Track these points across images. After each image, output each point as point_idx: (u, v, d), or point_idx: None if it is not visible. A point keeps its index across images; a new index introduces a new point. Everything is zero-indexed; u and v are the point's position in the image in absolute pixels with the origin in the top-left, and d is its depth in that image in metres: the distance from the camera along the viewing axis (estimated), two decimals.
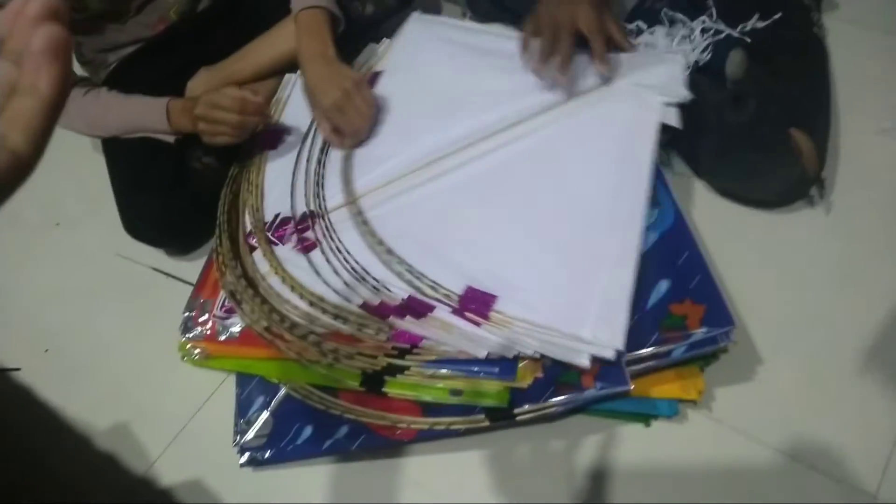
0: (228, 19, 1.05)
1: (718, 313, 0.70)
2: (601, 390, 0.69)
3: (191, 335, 0.86)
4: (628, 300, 0.71)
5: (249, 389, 0.82)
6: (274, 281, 0.83)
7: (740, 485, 0.70)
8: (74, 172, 1.18)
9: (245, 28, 1.04)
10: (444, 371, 0.72)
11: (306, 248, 0.85)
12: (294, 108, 0.98)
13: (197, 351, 0.85)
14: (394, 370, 0.73)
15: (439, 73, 0.98)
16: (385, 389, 0.73)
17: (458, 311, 0.74)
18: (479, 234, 0.81)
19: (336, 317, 0.77)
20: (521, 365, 0.71)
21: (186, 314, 0.88)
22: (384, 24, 1.07)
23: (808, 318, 0.79)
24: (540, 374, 0.71)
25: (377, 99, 0.93)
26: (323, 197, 0.89)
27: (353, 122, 0.90)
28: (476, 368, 0.72)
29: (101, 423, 0.87)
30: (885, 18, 1.07)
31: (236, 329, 0.84)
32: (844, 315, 0.79)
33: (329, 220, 0.86)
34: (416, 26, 1.06)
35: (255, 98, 0.89)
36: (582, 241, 0.78)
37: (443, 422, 0.72)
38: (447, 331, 0.73)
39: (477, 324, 0.73)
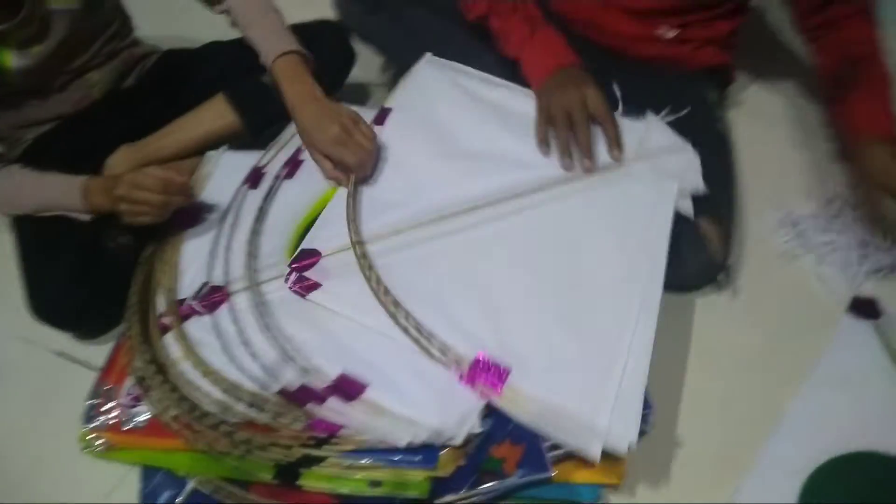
0: (151, 97, 1.04)
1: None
2: (523, 477, 0.68)
3: (93, 425, 0.80)
4: (642, 392, 0.71)
5: (154, 484, 0.77)
6: (185, 367, 0.79)
7: None
8: None
9: (168, 106, 1.03)
10: (363, 461, 0.69)
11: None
12: (215, 186, 0.97)
13: (100, 441, 0.80)
14: (310, 461, 0.70)
15: (453, 123, 0.96)
16: (300, 482, 0.70)
17: (467, 381, 0.71)
18: (492, 300, 0.79)
19: (251, 405, 0.74)
20: (442, 453, 0.69)
21: (90, 402, 0.82)
22: None
23: (722, 401, 0.82)
24: (462, 462, 0.69)
25: (381, 134, 0.93)
26: (255, 269, 0.86)
27: (357, 154, 0.87)
28: (396, 458, 0.69)
29: None
30: (787, 112, 1.16)
31: (142, 418, 0.79)
32: (755, 397, 0.82)
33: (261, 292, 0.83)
34: (429, 68, 1.04)
35: (178, 178, 0.87)
36: (598, 324, 0.76)
37: None
38: (378, 415, 0.70)
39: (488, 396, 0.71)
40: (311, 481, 0.70)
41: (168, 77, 1.07)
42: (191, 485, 0.75)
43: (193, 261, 0.90)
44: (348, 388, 0.72)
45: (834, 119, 1.05)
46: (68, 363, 0.94)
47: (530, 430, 0.70)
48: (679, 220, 0.87)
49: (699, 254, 0.87)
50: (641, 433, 0.73)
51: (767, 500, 0.74)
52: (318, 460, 0.70)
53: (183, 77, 1.06)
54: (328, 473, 0.70)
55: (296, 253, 0.84)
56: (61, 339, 0.96)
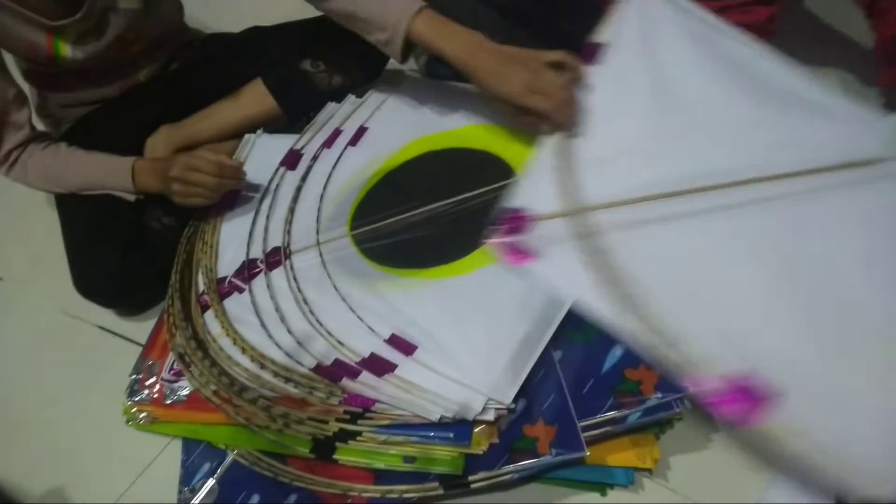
0: (193, 80, 1.06)
1: (676, 382, 0.70)
2: (556, 457, 0.68)
3: (137, 398, 0.83)
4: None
5: (195, 455, 0.79)
6: (225, 343, 0.81)
7: None
8: (22, 228, 1.16)
9: (209, 90, 1.05)
10: (397, 437, 0.70)
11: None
12: (253, 167, 0.98)
13: (143, 415, 0.82)
14: (345, 436, 0.71)
15: (682, 76, 0.80)
16: (336, 457, 0.71)
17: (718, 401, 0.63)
18: (728, 296, 0.69)
19: (287, 380, 0.75)
20: (476, 430, 0.70)
21: (133, 377, 0.85)
22: (348, 94, 1.09)
23: None
24: (495, 440, 0.70)
25: (592, 75, 0.82)
26: (289, 243, 0.88)
27: (554, 99, 0.77)
28: (431, 434, 0.70)
29: (36, 487, 0.83)
30: None
31: (184, 392, 0.81)
32: None
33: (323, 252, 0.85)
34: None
35: (231, 162, 0.89)
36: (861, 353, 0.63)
37: (395, 490, 0.70)
38: (407, 390, 0.71)
39: None
40: (347, 456, 0.71)
41: (210, 61, 1.09)
42: (230, 457, 0.77)
43: (232, 240, 0.92)
44: (383, 365, 0.73)
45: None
46: (111, 337, 0.97)
47: (564, 410, 0.70)
48: None
49: None
50: (678, 418, 0.74)
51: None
52: (354, 435, 0.71)
53: (224, 61, 1.08)
54: (363, 448, 0.71)
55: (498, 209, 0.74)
56: (105, 315, 0.98)
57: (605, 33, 0.85)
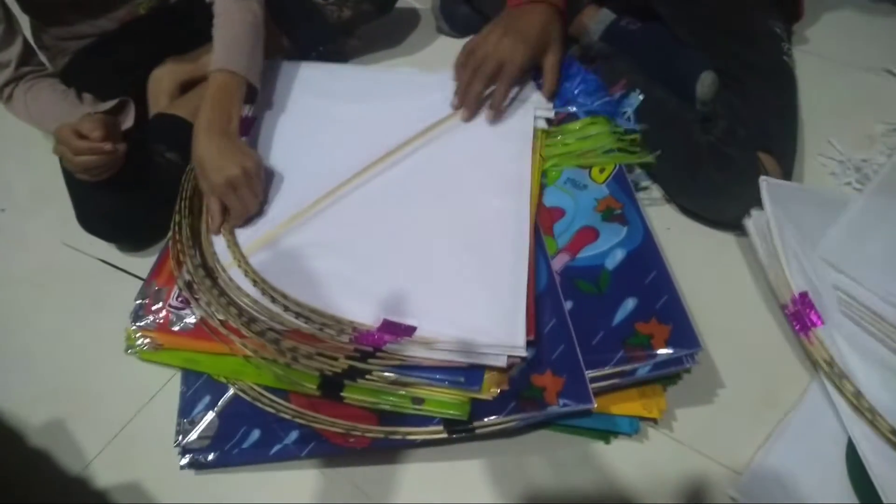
0: (195, 14, 1.02)
1: (684, 334, 0.70)
2: (564, 407, 0.68)
3: (141, 324, 0.81)
4: (524, 301, 0.72)
5: (195, 388, 0.78)
6: (235, 273, 0.79)
7: None
8: (24, 159, 1.13)
9: (212, 23, 1.01)
10: (407, 378, 0.69)
11: None
12: (265, 94, 0.96)
13: (146, 341, 0.80)
14: (354, 374, 0.70)
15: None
16: (343, 394, 0.71)
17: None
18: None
19: (298, 315, 0.74)
20: (486, 376, 0.69)
21: (139, 301, 0.83)
22: (359, 28, 1.05)
23: (765, 341, 0.80)
24: (505, 387, 0.69)
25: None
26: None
27: (248, 204, 0.83)
28: (441, 376, 0.69)
29: (36, 418, 0.82)
30: (852, 53, 1.10)
31: (191, 321, 0.79)
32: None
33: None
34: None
35: (93, 143, 0.80)
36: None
37: (399, 431, 0.70)
38: (429, 348, 0.70)
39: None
40: (355, 394, 0.70)
41: None
42: (231, 391, 0.76)
43: None
44: (398, 332, 0.72)
45: None
46: (113, 271, 0.96)
47: (679, 310, 0.72)
48: (737, 154, 0.85)
49: (757, 189, 0.83)
50: (685, 371, 0.73)
51: (812, 440, 0.72)
52: (364, 373, 0.70)
53: None
54: (372, 388, 0.70)
55: None
56: (107, 248, 0.97)
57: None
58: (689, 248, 0.87)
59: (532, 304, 0.73)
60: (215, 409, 0.76)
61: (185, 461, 0.74)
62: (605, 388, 0.71)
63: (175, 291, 0.82)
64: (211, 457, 0.74)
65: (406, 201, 0.85)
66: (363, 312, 0.74)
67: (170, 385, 0.82)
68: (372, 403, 0.70)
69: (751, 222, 0.84)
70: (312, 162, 0.91)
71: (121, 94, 0.92)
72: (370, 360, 0.70)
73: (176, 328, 0.80)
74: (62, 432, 0.81)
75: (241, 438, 0.74)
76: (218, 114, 0.83)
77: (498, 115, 0.90)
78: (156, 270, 0.86)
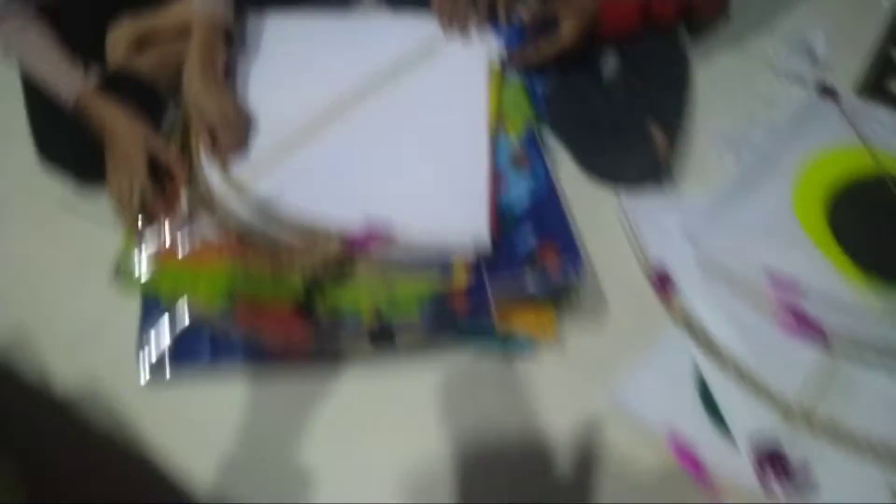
0: None
1: (571, 252, 0.85)
2: (469, 318, 0.81)
3: (143, 250, 0.87)
4: (487, 203, 0.87)
5: (153, 309, 0.87)
6: (231, 200, 0.89)
7: (584, 423, 0.82)
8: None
9: None
10: (389, 270, 0.83)
11: None
12: (243, 42, 1.07)
13: (147, 265, 0.86)
14: (343, 271, 0.83)
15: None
16: (318, 301, 0.82)
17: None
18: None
19: (291, 226, 0.85)
20: (455, 267, 0.83)
21: (139, 228, 0.89)
22: None
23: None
24: (471, 280, 0.82)
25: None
26: None
27: (241, 138, 0.94)
28: (416, 266, 0.83)
29: None
30: (738, 42, 1.24)
31: (188, 241, 0.87)
32: None
33: None
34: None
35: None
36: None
37: (330, 341, 0.82)
38: (408, 248, 0.83)
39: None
40: (331, 300, 0.82)
41: None
42: (185, 309, 0.85)
43: None
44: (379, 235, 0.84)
45: None
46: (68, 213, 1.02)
47: (569, 235, 0.87)
48: (632, 126, 0.99)
49: (647, 155, 0.98)
50: (575, 295, 0.88)
51: (671, 367, 0.85)
52: (350, 266, 0.83)
53: None
54: (349, 293, 0.83)
55: None
56: (64, 192, 1.04)
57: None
58: (586, 205, 1.00)
59: (494, 209, 0.87)
60: (171, 328, 0.86)
61: (145, 377, 0.84)
62: (506, 307, 0.83)
63: (178, 217, 0.89)
64: (169, 372, 0.85)
65: (377, 128, 0.97)
66: (348, 223, 0.85)
67: (129, 303, 0.90)
68: (349, 306, 0.82)
69: (621, 213, 0.99)
70: (292, 96, 1.01)
71: (88, 48, 0.98)
72: (357, 258, 0.83)
73: (177, 248, 0.87)
74: (23, 343, 0.89)
75: (195, 354, 0.85)
76: (205, 60, 0.94)
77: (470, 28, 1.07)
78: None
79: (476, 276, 0.83)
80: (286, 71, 1.05)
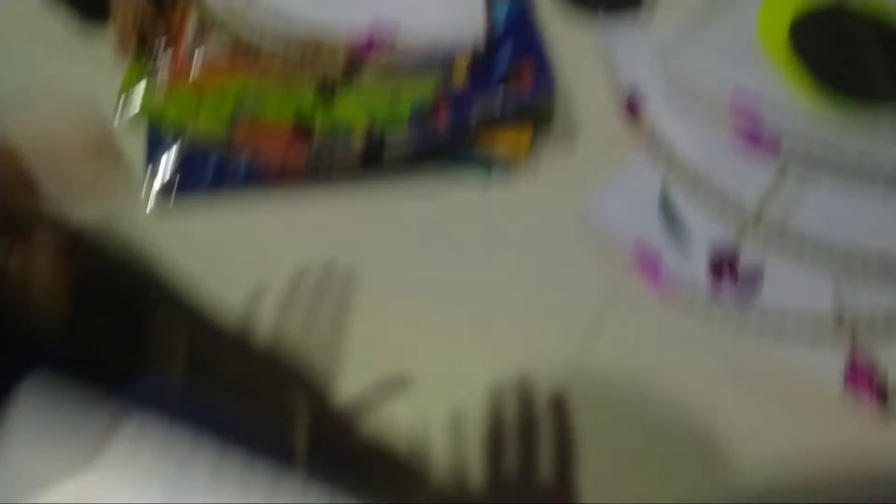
0: None
1: (544, 69, 0.90)
2: (451, 130, 0.88)
3: (156, 69, 0.91)
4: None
5: (158, 138, 0.92)
6: (239, 13, 0.91)
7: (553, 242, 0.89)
8: None
9: None
10: (394, 70, 0.89)
11: None
12: None
13: (148, 93, 0.91)
14: (352, 72, 0.88)
15: None
16: (337, 95, 0.88)
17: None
18: None
19: (297, 39, 0.89)
20: (456, 63, 0.89)
21: (153, 52, 0.93)
22: None
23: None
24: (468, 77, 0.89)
25: None
26: None
27: None
28: (420, 66, 0.89)
29: None
30: None
31: (200, 60, 0.91)
32: None
33: None
34: None
35: None
36: None
37: (323, 159, 0.89)
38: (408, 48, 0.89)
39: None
40: (345, 100, 0.88)
41: None
42: (188, 135, 0.90)
43: None
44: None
45: None
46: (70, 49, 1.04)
47: (541, 52, 0.91)
48: None
49: None
50: (547, 105, 0.93)
51: (637, 184, 0.92)
52: (360, 71, 0.88)
53: None
54: (357, 93, 0.89)
55: None
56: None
57: None
58: (563, 31, 1.02)
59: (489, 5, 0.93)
60: (176, 153, 0.91)
61: (150, 205, 0.90)
62: (483, 125, 0.89)
63: (188, 35, 0.92)
64: (174, 195, 0.91)
65: None
66: (352, 28, 0.89)
67: (132, 140, 0.93)
68: (359, 100, 0.88)
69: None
70: None
71: None
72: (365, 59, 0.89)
73: (191, 69, 0.91)
74: None
75: (200, 176, 0.91)
76: None
77: None
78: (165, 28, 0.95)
79: (470, 79, 0.89)
80: None
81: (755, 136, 0.92)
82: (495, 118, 0.90)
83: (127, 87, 0.93)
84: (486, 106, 0.88)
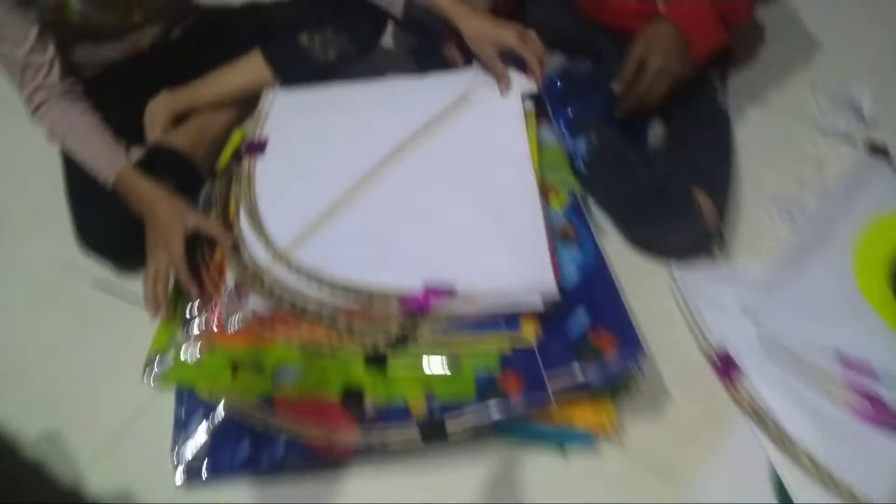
0: (194, 50, 1.10)
1: (630, 341, 0.78)
2: (526, 399, 0.76)
3: (193, 331, 0.86)
4: (546, 246, 0.84)
5: (188, 405, 0.83)
6: (278, 270, 0.86)
7: None
8: (23, 179, 1.18)
9: (209, 58, 1.09)
10: (453, 334, 0.80)
11: None
12: (276, 122, 1.06)
13: (196, 347, 0.85)
14: (405, 338, 0.80)
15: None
16: (389, 363, 0.80)
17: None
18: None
19: (346, 292, 0.82)
20: (523, 321, 0.80)
21: (186, 315, 0.88)
22: (342, 69, 1.13)
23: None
24: (540, 333, 0.79)
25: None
26: None
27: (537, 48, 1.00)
28: (483, 327, 0.80)
29: (31, 431, 0.87)
30: (782, 101, 1.21)
31: (239, 319, 0.86)
32: None
33: None
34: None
35: (157, 299, 0.89)
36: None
37: (377, 436, 0.77)
38: (470, 302, 0.80)
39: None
40: (398, 365, 0.80)
41: (211, 31, 1.14)
42: (221, 408, 0.81)
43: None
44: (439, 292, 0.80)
45: None
46: (107, 296, 1.00)
47: (626, 320, 0.80)
48: (675, 192, 0.95)
49: (694, 222, 0.93)
50: (633, 381, 0.82)
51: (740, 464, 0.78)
52: (414, 333, 0.79)
53: (225, 32, 1.13)
54: (413, 356, 0.80)
55: None
56: (101, 272, 1.02)
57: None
58: (637, 279, 0.95)
59: (553, 254, 0.83)
60: (208, 424, 0.81)
61: (180, 478, 0.79)
62: (560, 396, 0.77)
63: (225, 295, 0.87)
64: (205, 473, 0.79)
65: (421, 186, 0.94)
66: (403, 282, 0.82)
67: (161, 403, 0.86)
68: (414, 372, 0.79)
69: (674, 290, 0.94)
70: (328, 165, 0.99)
71: (125, 122, 0.99)
72: (420, 321, 0.79)
73: (229, 329, 0.85)
74: (56, 444, 0.85)
75: (234, 453, 0.80)
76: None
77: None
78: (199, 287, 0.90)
79: (527, 353, 0.79)
80: (323, 140, 1.03)
81: (873, 408, 0.78)
82: (573, 390, 0.78)
83: (157, 349, 0.87)
84: (563, 376, 0.77)
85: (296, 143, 1.03)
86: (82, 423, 0.87)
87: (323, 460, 0.79)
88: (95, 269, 1.02)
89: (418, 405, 0.78)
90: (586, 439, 0.81)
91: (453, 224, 0.89)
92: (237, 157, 1.03)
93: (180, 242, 0.88)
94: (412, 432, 0.77)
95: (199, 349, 0.85)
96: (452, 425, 0.76)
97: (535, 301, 0.79)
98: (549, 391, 0.76)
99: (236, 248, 0.90)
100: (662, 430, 0.82)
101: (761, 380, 0.82)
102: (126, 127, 1.01)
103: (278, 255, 0.88)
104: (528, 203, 0.89)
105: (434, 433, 0.77)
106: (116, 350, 0.93)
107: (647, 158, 1.02)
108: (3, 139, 1.05)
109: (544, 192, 0.93)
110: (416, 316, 0.80)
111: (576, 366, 0.77)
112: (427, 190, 0.94)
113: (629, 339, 0.78)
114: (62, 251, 1.01)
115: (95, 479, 0.82)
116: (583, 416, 0.80)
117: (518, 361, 0.79)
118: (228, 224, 0.95)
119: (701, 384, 0.85)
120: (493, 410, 0.76)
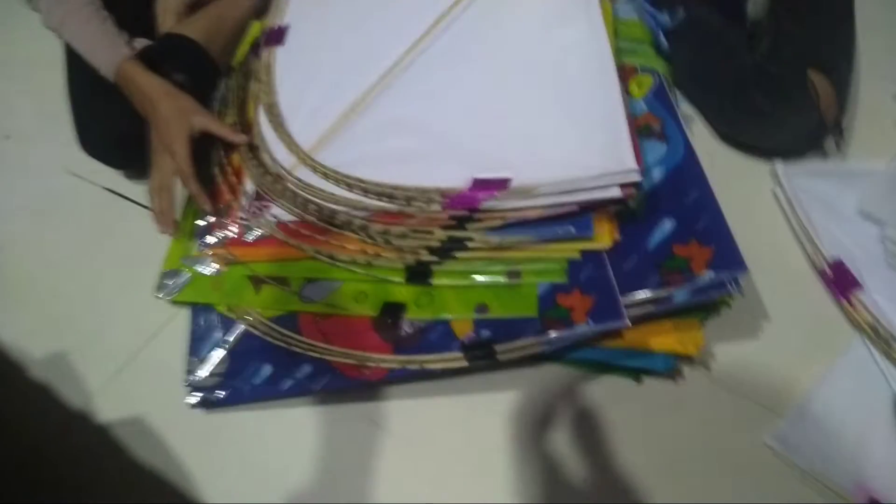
0: None
1: (727, 256, 0.64)
2: (594, 326, 0.63)
3: (211, 242, 0.77)
4: (625, 124, 0.67)
5: (205, 325, 0.75)
6: (302, 173, 0.74)
7: (734, 454, 0.66)
8: (30, 84, 1.10)
9: None
10: (511, 239, 0.65)
11: None
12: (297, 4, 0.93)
13: (213, 261, 0.77)
14: (453, 246, 0.66)
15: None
16: (432, 281, 0.67)
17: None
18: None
19: (380, 195, 0.69)
20: (596, 222, 0.65)
21: (201, 223, 0.79)
22: None
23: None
24: (618, 237, 0.65)
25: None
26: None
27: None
28: (547, 231, 0.65)
29: (37, 351, 0.80)
30: None
31: (260, 232, 0.76)
32: None
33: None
34: None
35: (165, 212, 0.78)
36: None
37: (416, 360, 0.66)
38: (529, 195, 0.64)
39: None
40: (445, 279, 0.67)
41: None
42: (241, 327, 0.73)
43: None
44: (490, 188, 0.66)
45: None
46: (117, 201, 0.92)
47: (723, 231, 0.66)
48: (785, 75, 0.79)
49: (808, 113, 0.78)
50: (725, 303, 0.69)
51: (857, 391, 0.68)
52: (464, 242, 0.66)
53: None
54: (462, 269, 0.67)
55: None
56: (112, 175, 0.94)
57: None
58: (731, 179, 0.80)
59: (633, 130, 0.67)
60: (226, 345, 0.73)
61: (194, 400, 0.71)
62: (639, 318, 0.65)
63: (242, 203, 0.77)
64: (222, 394, 0.71)
65: (467, 67, 0.79)
66: (449, 178, 0.68)
67: (178, 318, 0.79)
68: (466, 284, 0.67)
69: (778, 192, 0.81)
70: (358, 51, 0.84)
71: (135, 10, 0.89)
72: (469, 225, 0.65)
73: (250, 238, 0.76)
74: (64, 365, 0.78)
75: (252, 374, 0.71)
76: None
77: None
78: (213, 192, 0.81)
79: (598, 273, 0.65)
80: (351, 21, 0.89)
81: None
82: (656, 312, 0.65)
83: (172, 264, 0.78)
84: (643, 300, 0.64)
85: (321, 27, 0.89)
86: (92, 343, 0.80)
87: (353, 383, 0.69)
88: (108, 175, 0.93)
89: (465, 326, 0.66)
90: (666, 363, 0.68)
91: (508, 108, 0.74)
92: (255, 50, 0.91)
93: (185, 145, 0.77)
94: (456, 355, 0.65)
95: (218, 262, 0.76)
96: (504, 350, 0.64)
97: (613, 191, 0.63)
98: (625, 313, 0.63)
99: (254, 149, 0.78)
100: (758, 353, 0.71)
101: (884, 294, 0.71)
102: (136, 17, 0.90)
103: (302, 156, 0.75)
104: (602, 78, 0.73)
105: (482, 356, 0.65)
106: (129, 264, 0.84)
107: (747, 35, 0.86)
108: (5, 37, 0.96)
109: (622, 73, 0.76)
110: (463, 217, 0.65)
111: (659, 283, 0.63)
112: (475, 70, 0.78)
113: (727, 254, 0.64)
114: (72, 157, 0.91)
115: (106, 402, 0.75)
116: (663, 341, 0.67)
117: (588, 275, 0.65)
118: (247, 126, 0.83)
119: (807, 301, 0.74)
120: (556, 336, 0.64)
